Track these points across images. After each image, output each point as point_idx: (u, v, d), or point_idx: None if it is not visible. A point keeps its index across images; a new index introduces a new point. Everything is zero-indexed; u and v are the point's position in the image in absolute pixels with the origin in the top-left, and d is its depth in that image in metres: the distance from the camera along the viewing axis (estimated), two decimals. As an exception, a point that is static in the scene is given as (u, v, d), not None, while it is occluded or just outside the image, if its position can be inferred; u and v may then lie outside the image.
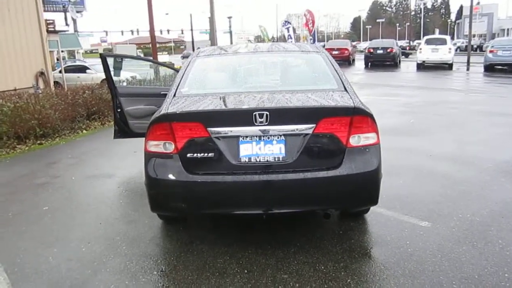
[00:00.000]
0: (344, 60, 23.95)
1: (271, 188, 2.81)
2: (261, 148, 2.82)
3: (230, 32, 52.58)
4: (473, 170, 4.92)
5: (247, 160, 2.82)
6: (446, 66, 20.17)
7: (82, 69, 17.91)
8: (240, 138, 2.82)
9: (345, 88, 3.20)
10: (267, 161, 2.82)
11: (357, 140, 2.86)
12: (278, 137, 2.82)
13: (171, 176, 2.84)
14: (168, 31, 62.34)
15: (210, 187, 2.81)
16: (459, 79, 17.34)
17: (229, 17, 52.43)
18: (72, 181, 5.08)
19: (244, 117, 2.79)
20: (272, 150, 2.83)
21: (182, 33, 65.05)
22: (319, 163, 2.84)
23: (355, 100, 2.97)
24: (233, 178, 2.78)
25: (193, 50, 47.52)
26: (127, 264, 3.01)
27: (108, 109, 8.67)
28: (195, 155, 2.84)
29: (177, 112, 2.85)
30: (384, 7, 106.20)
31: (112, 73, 5.28)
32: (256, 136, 2.82)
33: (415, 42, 53.87)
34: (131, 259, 3.08)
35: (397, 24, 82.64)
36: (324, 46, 37.00)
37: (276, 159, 2.82)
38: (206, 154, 2.83)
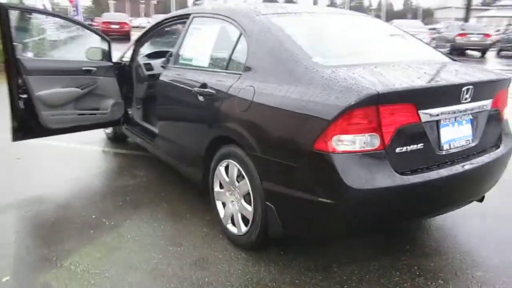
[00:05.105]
0: (125, 35, 22.03)
1: (472, 178, 2.37)
2: (455, 131, 2.31)
3: None
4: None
5: (448, 148, 2.26)
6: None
7: None
8: (441, 121, 2.23)
9: (454, 59, 2.95)
10: (461, 145, 2.34)
11: (504, 113, 2.70)
12: (467, 116, 2.37)
13: (381, 182, 1.99)
14: None
15: (427, 189, 2.12)
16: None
17: None
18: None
19: (452, 94, 2.22)
20: (462, 132, 2.35)
21: None
22: (491, 142, 2.56)
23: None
24: (447, 171, 2.19)
25: None
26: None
27: None
28: (404, 149, 2.08)
29: (390, 91, 1.99)
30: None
31: (13, 36, 3.29)
32: (453, 118, 2.29)
33: (138, 20, 40.29)
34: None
35: (142, 1, 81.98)
36: (92, 20, 33.21)
37: (467, 142, 2.37)
38: (415, 146, 2.12)
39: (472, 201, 2.56)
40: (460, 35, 18.25)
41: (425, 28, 21.81)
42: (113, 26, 21.51)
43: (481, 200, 2.71)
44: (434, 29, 24.49)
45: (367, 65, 2.34)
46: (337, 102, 1.98)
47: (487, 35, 18.68)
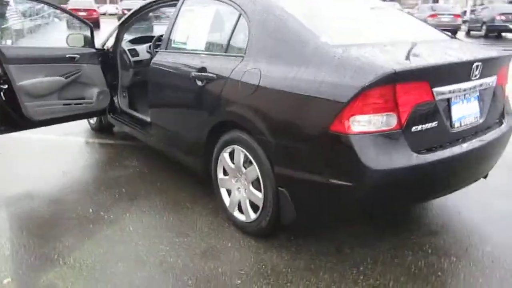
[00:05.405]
0: (93, 23, 21.07)
1: (482, 154, 2.37)
2: (465, 108, 2.30)
3: None
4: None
5: (459, 125, 2.25)
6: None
7: None
8: (452, 99, 2.21)
9: (452, 36, 2.94)
10: (470, 123, 2.34)
11: (506, 90, 2.72)
12: (475, 93, 2.36)
13: (399, 162, 1.96)
14: None
15: (442, 167, 2.11)
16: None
17: None
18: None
19: (463, 71, 2.20)
20: (471, 110, 2.35)
21: None
22: (495, 119, 2.57)
23: None
24: (459, 149, 2.18)
25: None
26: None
27: None
28: (419, 127, 2.05)
29: (407, 69, 1.95)
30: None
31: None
32: (463, 95, 2.27)
33: (104, 7, 34.76)
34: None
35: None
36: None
37: (475, 119, 2.37)
38: (430, 124, 2.09)
39: (479, 178, 2.58)
40: (431, 16, 18.50)
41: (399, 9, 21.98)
42: (80, 14, 20.60)
43: (485, 176, 2.73)
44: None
45: (376, 44, 2.29)
46: (353, 83, 1.92)
47: (457, 16, 19.01)
